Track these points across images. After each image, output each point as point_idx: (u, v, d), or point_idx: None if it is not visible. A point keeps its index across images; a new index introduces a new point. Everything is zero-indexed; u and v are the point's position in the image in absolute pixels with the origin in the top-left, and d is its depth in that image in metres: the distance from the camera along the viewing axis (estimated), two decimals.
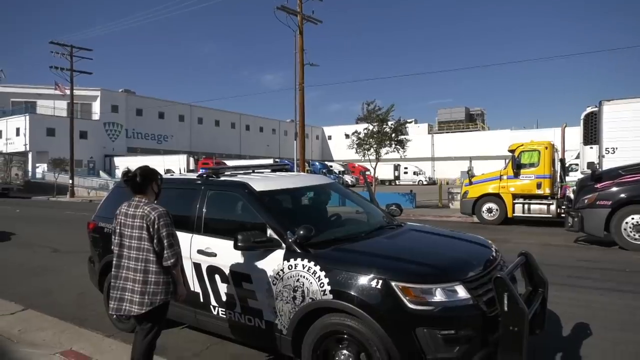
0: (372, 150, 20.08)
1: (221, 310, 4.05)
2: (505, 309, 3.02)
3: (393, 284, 3.11)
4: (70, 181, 34.29)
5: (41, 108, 50.28)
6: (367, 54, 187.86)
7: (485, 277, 3.41)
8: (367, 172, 28.18)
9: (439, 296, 3.10)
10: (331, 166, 52.48)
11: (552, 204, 13.67)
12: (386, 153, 20.43)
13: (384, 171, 49.80)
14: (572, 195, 11.64)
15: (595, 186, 9.94)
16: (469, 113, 78.26)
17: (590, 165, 12.07)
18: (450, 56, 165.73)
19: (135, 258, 3.20)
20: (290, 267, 3.56)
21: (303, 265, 3.50)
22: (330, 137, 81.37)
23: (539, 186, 13.82)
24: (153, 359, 3.36)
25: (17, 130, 47.56)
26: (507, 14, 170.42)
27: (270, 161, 29.04)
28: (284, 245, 3.67)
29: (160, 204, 3.44)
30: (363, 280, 3.20)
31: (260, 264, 3.72)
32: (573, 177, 16.30)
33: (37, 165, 44.13)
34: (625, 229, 9.47)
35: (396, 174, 55.22)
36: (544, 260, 5.44)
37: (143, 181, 3.30)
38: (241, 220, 4.29)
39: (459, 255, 3.83)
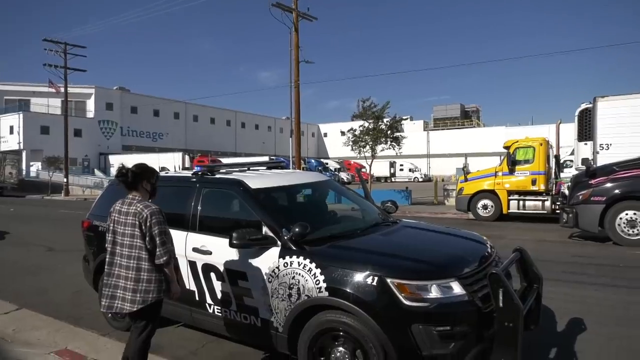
0: (367, 147, 20.09)
1: (217, 308, 4.04)
2: (501, 304, 3.03)
3: (388, 280, 3.12)
4: (65, 179, 34.11)
5: (35, 106, 49.98)
6: (363, 51, 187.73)
7: (481, 273, 3.42)
8: (363, 169, 28.20)
9: (434, 293, 3.10)
10: (327, 163, 52.51)
11: (547, 200, 13.74)
12: (382, 150, 20.44)
13: (380, 168, 49.85)
14: (566, 192, 11.70)
15: (590, 182, 10.00)
16: (464, 110, 78.40)
17: (584, 161, 12.16)
18: (445, 53, 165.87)
19: (127, 256, 3.19)
20: (285, 265, 3.55)
21: (299, 262, 3.49)
22: (326, 135, 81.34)
23: (533, 182, 13.88)
24: (148, 357, 3.35)
25: (11, 128, 47.25)
26: (502, 10, 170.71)
27: (266, 159, 29.02)
28: (279, 242, 3.66)
29: (155, 202, 3.42)
30: (358, 277, 3.20)
31: (256, 262, 3.72)
32: (568, 173, 16.39)
33: (32, 163, 43.89)
34: (619, 225, 9.54)
35: (392, 171, 55.27)
36: (538, 256, 5.47)
37: (134, 178, 3.29)
38: (236, 218, 4.28)
39: (454, 251, 3.84)
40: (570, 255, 8.92)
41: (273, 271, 3.61)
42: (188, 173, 4.89)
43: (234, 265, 3.85)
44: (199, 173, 4.58)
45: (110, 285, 3.23)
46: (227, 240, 3.65)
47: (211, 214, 4.34)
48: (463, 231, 4.67)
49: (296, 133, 21.75)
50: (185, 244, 4.18)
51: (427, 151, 67.25)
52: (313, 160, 51.24)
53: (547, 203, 13.70)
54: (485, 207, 14.67)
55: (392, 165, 54.82)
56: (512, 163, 14.19)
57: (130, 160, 39.79)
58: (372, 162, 20.71)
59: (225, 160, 37.70)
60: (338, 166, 53.18)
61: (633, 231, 9.42)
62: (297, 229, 3.56)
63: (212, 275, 4.00)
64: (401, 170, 56.13)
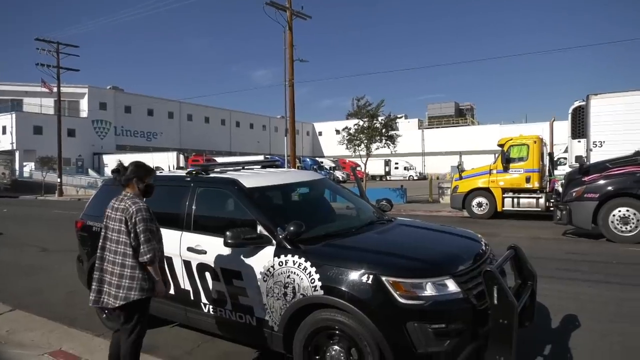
0: (362, 145, 20.11)
1: (212, 308, 4.03)
2: (495, 302, 3.05)
3: (383, 279, 3.12)
4: (59, 180, 33.89)
5: (28, 106, 49.62)
6: (357, 50, 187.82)
7: (475, 270, 3.43)
8: (358, 168, 28.22)
9: (429, 290, 3.11)
10: (322, 162, 52.51)
11: (541, 197, 13.82)
12: (377, 148, 20.47)
13: (375, 167, 49.89)
14: (560, 189, 11.77)
15: (583, 179, 10.06)
16: (459, 108, 78.66)
17: (578, 159, 12.22)
18: (440, 51, 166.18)
19: (114, 251, 3.21)
20: (280, 264, 3.55)
21: (293, 261, 3.49)
22: (320, 133, 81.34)
23: (528, 180, 13.95)
24: (143, 357, 3.34)
25: (4, 128, 46.89)
26: (496, 8, 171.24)
27: (261, 158, 28.96)
28: (274, 241, 3.65)
29: (149, 201, 3.41)
30: (354, 275, 3.20)
31: (251, 261, 3.71)
32: (561, 170, 16.46)
33: (25, 163, 43.58)
34: (612, 222, 9.59)
35: (387, 170, 55.37)
36: (533, 254, 5.48)
37: (126, 175, 3.34)
38: (231, 217, 4.27)
39: (448, 249, 3.85)
40: (564, 252, 8.97)
41: (268, 270, 3.60)
42: (182, 172, 4.87)
43: (229, 264, 3.83)
44: (193, 172, 4.56)
45: (98, 280, 3.26)
46: (221, 240, 3.64)
47: (206, 214, 4.32)
48: (458, 229, 4.68)
49: (291, 132, 21.73)
50: (180, 243, 4.16)
51: (422, 149, 67.42)
52: (308, 159, 51.22)
53: (541, 200, 13.77)
54: (479, 204, 14.72)
55: (387, 163, 54.93)
56: (507, 161, 14.25)
57: (124, 160, 39.53)
58: (367, 160, 20.73)
59: (219, 160, 37.63)
60: (333, 165, 53.23)
61: (626, 228, 9.48)
62: (291, 228, 3.55)
63: (207, 274, 3.99)
64: (396, 168, 56.25)
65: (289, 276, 3.47)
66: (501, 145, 14.70)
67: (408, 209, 17.84)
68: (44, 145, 41.65)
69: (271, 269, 3.58)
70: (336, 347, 3.28)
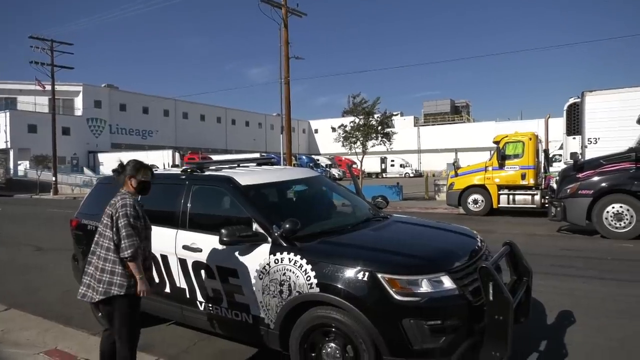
0: (358, 143, 20.11)
1: (208, 306, 4.02)
2: (491, 298, 3.06)
3: (379, 275, 3.12)
4: (54, 178, 33.70)
5: (22, 104, 49.26)
6: (353, 47, 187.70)
7: (471, 267, 3.44)
8: (354, 165, 28.24)
9: (425, 287, 3.11)
10: (318, 160, 52.47)
11: (537, 194, 13.87)
12: (372, 146, 20.47)
13: (371, 164, 49.95)
14: (555, 185, 11.81)
15: (577, 176, 10.10)
16: (454, 105, 78.75)
17: (573, 155, 12.25)
18: (435, 49, 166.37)
19: (100, 245, 3.21)
20: (276, 261, 3.54)
21: (289, 259, 3.49)
22: (316, 131, 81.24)
23: (523, 177, 13.99)
24: (139, 355, 3.33)
25: None
26: (491, 5, 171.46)
27: (257, 155, 28.92)
28: (269, 239, 3.65)
29: (144, 199, 3.40)
30: (349, 272, 3.20)
31: (246, 259, 3.70)
32: (557, 167, 16.53)
33: (19, 162, 43.29)
34: (606, 218, 9.64)
35: (383, 167, 55.42)
36: (528, 250, 5.51)
37: (118, 174, 3.36)
38: (226, 215, 4.25)
39: (444, 246, 3.86)
40: (558, 248, 9.01)
41: (264, 268, 3.60)
42: (177, 170, 4.85)
43: (225, 262, 3.83)
44: (188, 170, 4.54)
45: (86, 274, 3.27)
46: (217, 238, 3.63)
47: (201, 211, 4.31)
48: (453, 225, 4.69)
49: (287, 129, 21.70)
50: (175, 241, 4.15)
51: (418, 147, 67.48)
52: (304, 157, 51.16)
53: (537, 197, 13.83)
54: (475, 201, 14.76)
55: (383, 161, 54.98)
56: (502, 158, 14.29)
57: (120, 158, 39.34)
58: (363, 158, 20.73)
59: (215, 157, 37.52)
60: (329, 162, 53.18)
61: (620, 224, 9.53)
62: (287, 225, 3.55)
63: (203, 272, 3.98)
64: (392, 165, 56.30)
65: (284, 274, 3.47)
66: (497, 142, 14.75)
67: (404, 206, 17.87)
68: (38, 144, 41.37)
69: (267, 267, 3.58)
70: (332, 344, 3.28)
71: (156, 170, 5.52)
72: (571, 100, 14.13)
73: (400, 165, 56.65)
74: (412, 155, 64.26)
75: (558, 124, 16.38)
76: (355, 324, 3.11)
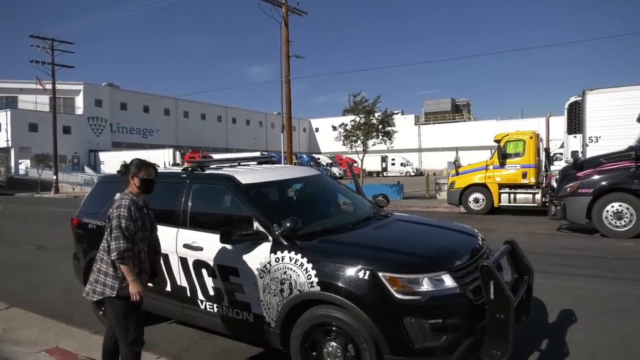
0: (359, 142, 20.08)
1: (209, 305, 4.02)
2: (492, 297, 3.05)
3: (380, 274, 3.12)
4: (55, 177, 33.73)
5: (23, 103, 49.26)
6: (353, 46, 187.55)
7: (472, 265, 3.44)
8: (355, 164, 28.23)
9: (426, 286, 3.11)
10: (319, 158, 52.47)
11: (538, 193, 13.85)
12: (373, 145, 20.45)
13: (371, 163, 49.93)
14: (555, 184, 11.79)
15: (577, 174, 10.08)
16: (455, 104, 78.66)
17: (574, 154, 12.24)
18: (436, 47, 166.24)
19: (102, 246, 3.22)
20: (277, 260, 3.54)
21: (290, 257, 3.48)
22: (317, 130, 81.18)
23: (524, 176, 13.97)
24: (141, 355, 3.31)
25: None
26: (492, 3, 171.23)
27: (257, 154, 28.90)
28: (270, 237, 3.65)
29: (146, 198, 3.39)
30: (350, 271, 3.20)
31: (247, 257, 3.70)
32: (558, 166, 16.50)
33: (20, 161, 43.32)
34: (606, 217, 9.62)
35: (383, 166, 55.38)
36: (529, 249, 5.51)
37: (121, 174, 3.33)
38: (227, 214, 4.26)
39: (445, 244, 3.85)
40: (559, 247, 9.00)
41: (265, 266, 3.60)
42: (178, 169, 4.85)
43: (226, 261, 3.83)
44: (189, 169, 4.54)
45: (92, 272, 3.28)
46: (218, 236, 3.63)
47: (202, 210, 4.31)
48: (454, 224, 4.69)
49: (287, 128, 21.69)
50: (176, 240, 4.15)
51: (419, 145, 67.42)
52: (305, 156, 51.13)
53: (538, 196, 13.81)
54: (476, 200, 14.75)
55: (383, 159, 54.93)
56: (503, 156, 14.27)
57: (120, 157, 39.52)
58: (363, 156, 20.72)
59: (216, 156, 37.52)
60: (330, 161, 53.17)
61: (620, 223, 9.52)
62: (288, 224, 3.54)
63: (204, 271, 3.98)
64: (393, 164, 56.26)
65: (285, 272, 3.47)
66: (498, 141, 14.72)
67: (405, 204, 17.86)
68: (39, 143, 41.37)
69: (268, 265, 3.58)
70: (333, 343, 3.28)
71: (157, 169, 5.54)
72: (572, 99, 14.10)
73: (401, 164, 56.61)
74: (413, 154, 64.20)
75: (559, 123, 16.36)
76: (357, 322, 3.11)
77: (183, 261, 4.12)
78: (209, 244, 3.92)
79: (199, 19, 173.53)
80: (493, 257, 3.63)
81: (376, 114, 20.05)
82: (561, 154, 17.49)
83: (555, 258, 7.88)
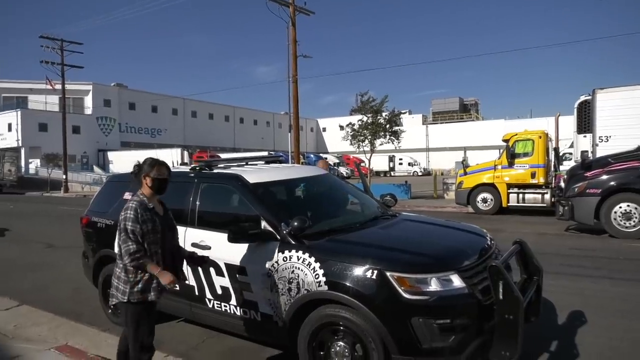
0: (366, 141, 20.05)
1: (216, 303, 4.04)
2: (501, 297, 3.03)
3: (388, 274, 3.11)
4: (64, 176, 34.04)
5: (33, 103, 49.73)
6: (361, 45, 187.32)
7: (480, 265, 3.42)
8: (362, 164, 28.21)
9: (434, 286, 3.10)
10: (326, 158, 52.43)
11: (547, 193, 13.74)
12: (381, 144, 20.40)
13: (379, 162, 49.79)
14: (562, 184, 11.69)
15: (585, 175, 9.98)
16: (463, 103, 78.26)
17: (583, 154, 12.14)
18: (444, 46, 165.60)
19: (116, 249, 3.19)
20: (284, 259, 3.55)
21: (298, 256, 3.49)
22: (324, 129, 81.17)
23: (533, 175, 13.87)
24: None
25: (9, 125, 47.06)
26: (500, 2, 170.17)
27: (265, 154, 28.94)
28: (278, 237, 3.65)
29: None
30: (358, 271, 3.19)
31: (255, 256, 3.71)
32: (567, 166, 16.37)
33: (30, 160, 43.76)
34: (615, 218, 9.52)
35: (391, 165, 55.24)
36: (538, 249, 5.47)
37: (135, 175, 3.25)
38: (235, 213, 4.26)
39: (453, 244, 3.84)
40: (567, 247, 8.93)
41: (272, 265, 3.60)
42: (186, 168, 4.87)
43: (233, 260, 3.83)
44: (197, 168, 4.56)
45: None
46: (226, 235, 3.64)
47: (210, 209, 4.32)
48: (462, 224, 4.67)
49: (295, 128, 21.71)
50: (184, 239, 4.16)
51: (426, 145, 67.17)
52: (312, 155, 51.14)
53: (547, 196, 13.69)
54: (484, 200, 14.66)
55: (391, 159, 54.79)
56: (512, 156, 14.16)
57: (129, 156, 39.76)
58: (371, 156, 20.69)
59: (223, 156, 37.63)
60: (337, 161, 53.12)
61: (629, 223, 9.42)
62: (295, 223, 3.55)
63: (212, 270, 3.99)
64: (400, 164, 56.10)
65: (293, 272, 3.47)
66: (506, 141, 14.62)
67: (412, 204, 17.80)
68: (49, 142, 41.73)
69: (275, 265, 3.58)
70: (341, 342, 3.28)
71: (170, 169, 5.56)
72: (582, 98, 13.99)
73: (409, 164, 56.44)
74: (421, 154, 63.96)
75: (568, 122, 16.24)
76: (364, 322, 3.10)
77: None
78: (217, 243, 3.93)
79: (206, 19, 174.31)
80: (502, 257, 3.60)
81: (384, 114, 20.00)
82: (570, 153, 17.37)
83: (564, 259, 7.81)
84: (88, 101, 52.59)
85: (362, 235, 3.85)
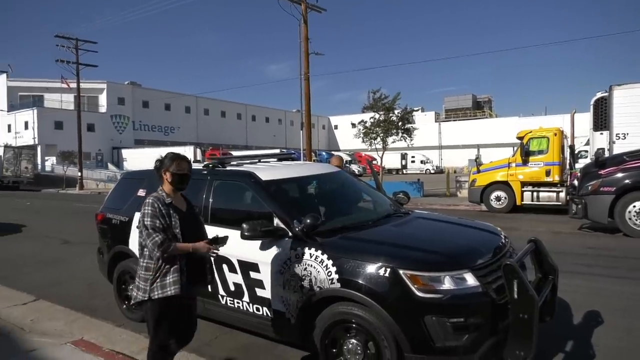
0: (378, 139, 19.98)
1: (229, 300, 4.06)
2: (515, 296, 3.00)
3: (401, 272, 3.09)
4: (79, 173, 34.50)
5: (48, 102, 50.52)
6: (373, 42, 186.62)
7: (495, 264, 3.38)
8: (374, 161, 28.10)
9: (447, 284, 3.08)
10: (339, 155, 52.28)
11: (562, 191, 13.53)
12: (393, 142, 20.31)
13: (391, 160, 49.61)
14: (576, 182, 11.52)
15: (599, 172, 9.80)
16: (476, 100, 77.56)
17: (596, 151, 11.95)
18: (457, 43, 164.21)
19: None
20: (297, 256, 3.55)
21: (310, 254, 3.49)
22: (336, 127, 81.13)
23: (548, 173, 13.68)
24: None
25: (26, 123, 47.90)
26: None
27: (277, 151, 28.99)
28: (290, 234, 3.65)
29: None
30: (371, 268, 3.18)
31: (268, 253, 3.72)
32: (582, 163, 16.13)
33: (46, 158, 44.47)
34: (629, 217, 9.35)
35: (403, 163, 55.00)
36: (553, 248, 5.39)
37: (157, 169, 3.19)
38: (248, 210, 4.28)
39: (467, 242, 3.80)
40: (582, 246, 8.80)
41: (285, 262, 3.61)
42: (199, 165, 4.90)
43: (246, 256, 3.85)
44: (210, 165, 4.58)
45: None
46: (238, 232, 3.64)
47: (222, 206, 4.34)
48: (476, 222, 4.62)
49: (307, 125, 21.70)
50: None
51: (439, 142, 66.77)
52: (324, 153, 51.14)
53: (562, 194, 13.48)
54: (498, 198, 14.51)
55: (403, 157, 54.56)
56: (526, 154, 13.97)
57: (143, 154, 40.14)
58: (383, 154, 20.61)
59: (236, 153, 37.81)
60: (349, 158, 53.04)
61: None
62: (308, 220, 3.54)
63: (224, 266, 4.02)
64: (413, 162, 55.83)
65: (305, 269, 3.47)
66: (520, 138, 14.43)
67: (425, 202, 17.70)
68: (64, 140, 42.41)
69: (288, 262, 3.59)
70: (353, 340, 3.28)
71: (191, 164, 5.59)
72: (598, 95, 13.76)
73: (421, 162, 56.14)
74: (433, 151, 63.59)
75: (584, 119, 16.00)
76: (377, 320, 3.09)
77: None
78: (230, 240, 3.93)
79: (218, 17, 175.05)
80: (517, 256, 3.57)
81: (396, 111, 19.90)
82: (586, 151, 17.10)
83: (579, 257, 7.71)
84: (102, 99, 53.24)
85: (374, 233, 3.84)
